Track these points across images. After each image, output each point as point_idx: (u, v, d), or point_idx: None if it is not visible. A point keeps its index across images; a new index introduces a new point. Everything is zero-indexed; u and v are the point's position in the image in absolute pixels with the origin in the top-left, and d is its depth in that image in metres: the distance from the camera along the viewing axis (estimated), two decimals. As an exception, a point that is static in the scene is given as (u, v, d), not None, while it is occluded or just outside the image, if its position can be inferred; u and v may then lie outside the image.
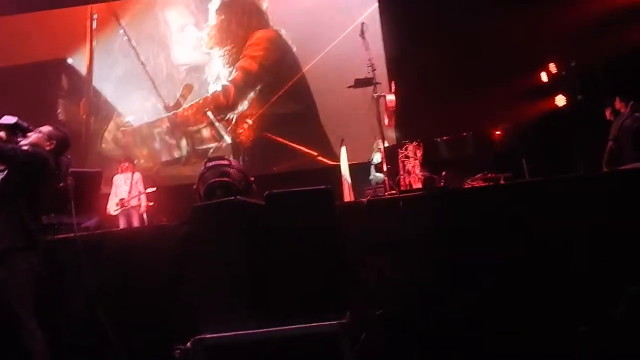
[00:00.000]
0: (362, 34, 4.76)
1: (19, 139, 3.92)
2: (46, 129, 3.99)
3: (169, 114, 6.06)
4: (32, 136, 3.94)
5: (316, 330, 3.28)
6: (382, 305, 3.89)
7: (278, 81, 6.35)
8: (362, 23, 4.79)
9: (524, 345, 3.74)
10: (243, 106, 6.36)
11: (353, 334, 3.38)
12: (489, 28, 6.84)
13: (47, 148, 3.91)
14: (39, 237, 3.90)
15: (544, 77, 7.01)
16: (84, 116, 6.26)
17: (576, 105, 6.80)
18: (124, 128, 5.95)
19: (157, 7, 6.38)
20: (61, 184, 4.03)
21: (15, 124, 3.94)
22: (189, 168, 6.07)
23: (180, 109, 6.16)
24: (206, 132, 5.94)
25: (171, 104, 6.24)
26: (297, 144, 5.90)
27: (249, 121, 6.02)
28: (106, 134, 5.83)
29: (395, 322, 3.90)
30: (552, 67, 6.94)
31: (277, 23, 6.65)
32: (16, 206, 3.75)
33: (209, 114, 5.89)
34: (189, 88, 6.18)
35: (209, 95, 6.27)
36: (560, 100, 6.81)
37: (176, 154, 6.01)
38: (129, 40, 6.40)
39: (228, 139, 5.90)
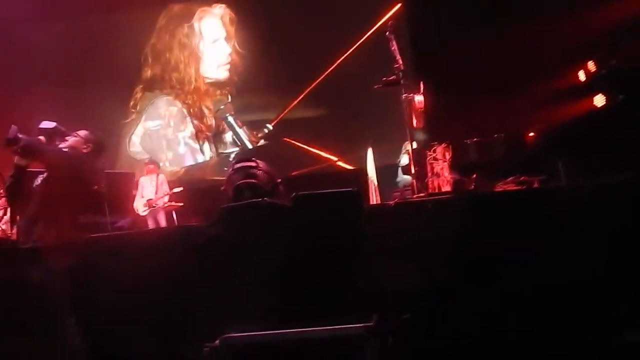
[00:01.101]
0: (390, 33, 4.72)
1: (57, 143, 4.08)
2: (83, 132, 4.17)
3: (194, 120, 6.20)
4: (70, 140, 4.10)
5: (342, 333, 3.29)
6: (409, 310, 3.86)
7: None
8: (390, 22, 4.75)
9: (553, 354, 3.65)
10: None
11: (379, 338, 3.37)
12: (522, 25, 6.68)
13: (84, 151, 4.08)
14: (76, 236, 4.04)
15: (581, 76, 6.79)
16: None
17: (617, 106, 6.57)
18: (151, 132, 6.08)
19: (195, 17, 6.44)
20: (96, 186, 4.17)
21: (55, 128, 4.10)
22: (212, 172, 6.20)
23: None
24: (228, 137, 6.03)
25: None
26: (317, 149, 5.86)
27: (269, 126, 6.04)
28: (134, 138, 6.00)
29: (422, 327, 3.86)
30: (591, 66, 6.71)
31: (299, 23, 6.49)
32: (56, 206, 3.89)
33: (231, 119, 5.94)
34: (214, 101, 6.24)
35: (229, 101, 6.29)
36: (600, 100, 6.58)
37: (200, 159, 6.12)
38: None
39: (249, 145, 5.96)
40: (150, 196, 5.08)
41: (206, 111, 6.20)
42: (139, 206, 4.92)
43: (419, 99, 4.48)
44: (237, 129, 5.88)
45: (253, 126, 6.11)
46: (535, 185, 5.02)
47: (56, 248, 3.86)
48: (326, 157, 5.74)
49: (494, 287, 3.86)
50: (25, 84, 7.14)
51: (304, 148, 5.75)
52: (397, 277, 3.94)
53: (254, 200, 3.91)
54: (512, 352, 3.77)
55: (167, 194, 4.98)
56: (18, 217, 4.35)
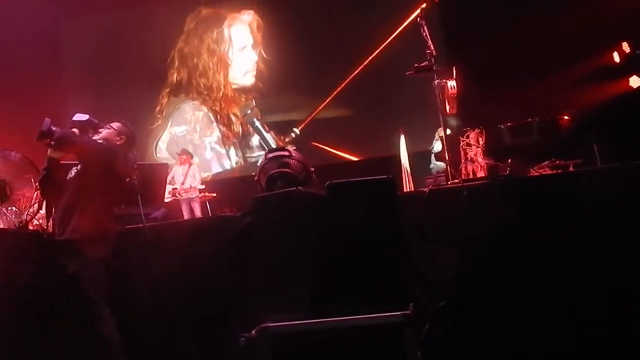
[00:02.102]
0: (421, 19, 4.64)
1: (90, 135, 4.11)
2: (116, 124, 4.20)
3: (220, 126, 6.17)
4: (103, 132, 4.13)
5: (379, 321, 3.28)
6: (445, 297, 3.82)
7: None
8: (421, 7, 4.67)
9: (592, 345, 3.58)
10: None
11: (416, 325, 3.34)
12: (555, 6, 6.52)
13: (118, 143, 4.11)
14: (111, 228, 4.08)
15: (616, 57, 6.61)
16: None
17: (653, 86, 6.39)
18: (177, 138, 6.08)
19: (225, 23, 6.36)
20: (128, 179, 4.20)
21: (88, 120, 4.13)
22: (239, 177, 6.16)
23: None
24: (255, 142, 5.99)
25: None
26: (348, 153, 5.76)
27: (296, 130, 5.92)
28: (160, 144, 6.01)
29: (458, 314, 3.82)
30: (626, 47, 6.53)
31: (325, 21, 6.39)
32: (90, 198, 3.93)
33: (258, 124, 5.86)
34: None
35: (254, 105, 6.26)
36: (636, 82, 6.40)
37: (226, 164, 6.08)
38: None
39: None
40: (177, 185, 5.07)
41: (233, 118, 6.17)
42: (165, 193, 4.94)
43: (451, 84, 4.40)
44: (265, 133, 5.83)
45: (280, 129, 6.03)
46: (571, 169, 4.91)
47: (91, 240, 3.90)
48: (356, 160, 5.69)
49: (531, 273, 3.80)
50: (54, 80, 7.23)
51: (334, 153, 5.67)
52: (433, 265, 3.91)
53: (288, 189, 3.89)
54: (550, 341, 3.70)
55: (198, 190, 4.93)
56: (54, 210, 4.40)
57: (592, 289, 3.71)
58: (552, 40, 6.48)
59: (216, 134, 6.02)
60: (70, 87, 7.46)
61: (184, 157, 5.13)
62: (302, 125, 5.95)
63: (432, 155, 5.13)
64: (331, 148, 5.79)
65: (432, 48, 4.47)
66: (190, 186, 5.10)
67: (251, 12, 6.06)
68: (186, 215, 5.12)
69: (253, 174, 4.30)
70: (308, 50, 5.97)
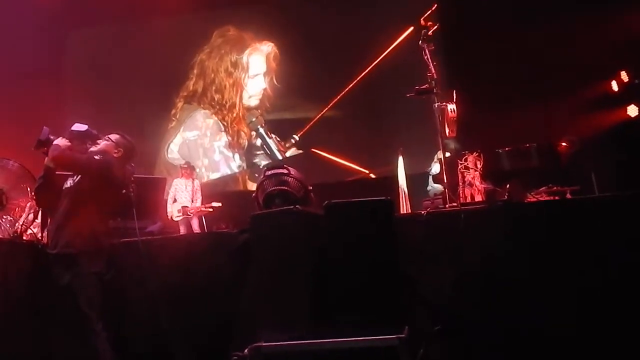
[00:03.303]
0: (423, 42, 4.68)
1: (88, 146, 4.09)
2: (114, 137, 4.17)
3: (228, 136, 6.58)
4: (101, 144, 4.11)
5: (374, 343, 3.25)
6: (441, 321, 3.80)
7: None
8: (423, 30, 4.71)
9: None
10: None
11: (411, 349, 3.32)
12: (554, 35, 6.61)
13: (115, 155, 4.08)
14: (106, 241, 4.05)
15: (614, 86, 6.69)
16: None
17: (650, 116, 6.46)
18: (189, 141, 6.49)
19: (247, 51, 6.76)
20: (124, 191, 4.18)
21: (87, 131, 4.12)
22: (244, 181, 6.54)
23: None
24: (258, 149, 6.40)
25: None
26: (347, 161, 6.00)
27: (296, 137, 6.31)
28: (172, 146, 6.39)
29: (453, 338, 3.80)
30: (624, 76, 6.61)
31: (330, 30, 6.76)
32: (86, 212, 3.90)
33: (262, 130, 6.28)
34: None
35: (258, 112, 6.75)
36: (633, 111, 6.47)
37: (233, 166, 6.49)
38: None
39: (278, 155, 6.26)
40: (185, 201, 5.04)
41: (242, 134, 6.59)
42: (174, 211, 4.93)
43: (451, 107, 4.43)
44: (268, 139, 6.23)
45: (282, 136, 6.45)
46: (568, 195, 4.93)
47: (85, 254, 3.87)
48: (357, 169, 5.88)
49: (527, 298, 3.80)
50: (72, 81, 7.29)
51: (333, 160, 5.94)
52: (429, 287, 3.90)
53: (285, 207, 3.89)
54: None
55: (206, 207, 4.92)
56: (49, 221, 4.38)
57: (588, 312, 3.71)
58: (552, 67, 6.57)
59: (224, 139, 6.47)
60: (70, 97, 7.54)
61: (188, 170, 5.12)
62: (301, 132, 6.36)
63: (430, 177, 5.14)
64: (329, 154, 6.07)
65: (433, 71, 4.51)
66: (204, 206, 5.04)
67: (271, 44, 6.52)
68: (184, 231, 5.09)
69: (253, 194, 4.29)
70: (316, 71, 6.42)
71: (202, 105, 6.58)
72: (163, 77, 6.69)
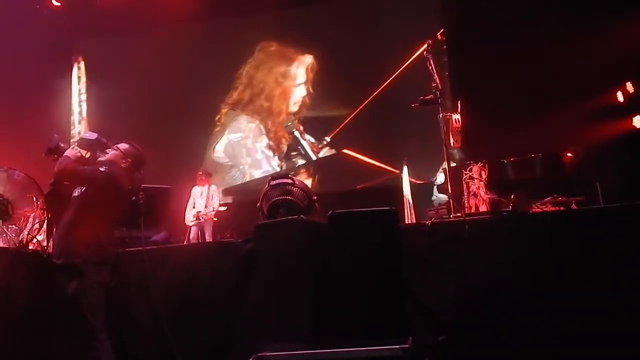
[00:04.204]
0: (428, 52, 4.70)
1: (98, 155, 4.10)
2: (123, 146, 4.15)
3: (270, 141, 7.32)
4: (110, 153, 4.10)
5: (377, 354, 3.24)
6: (445, 331, 3.78)
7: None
8: (428, 42, 4.74)
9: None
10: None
11: (415, 359, 3.30)
12: (559, 46, 6.62)
13: (123, 165, 4.08)
14: (111, 251, 4.05)
15: (619, 96, 6.69)
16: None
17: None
18: (233, 143, 7.27)
19: (295, 64, 7.49)
20: (134, 198, 4.18)
21: (96, 139, 4.13)
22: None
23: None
24: (294, 150, 7.14)
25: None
26: (375, 161, 6.48)
27: (327, 138, 7.04)
28: (217, 147, 7.21)
29: (457, 349, 3.78)
30: (629, 86, 6.61)
31: (342, 46, 7.42)
32: (91, 221, 3.91)
33: (297, 134, 7.00)
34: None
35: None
36: (639, 121, 6.46)
37: (273, 163, 7.24)
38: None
39: (312, 156, 6.97)
40: (200, 207, 5.09)
41: (283, 140, 7.31)
42: (189, 216, 4.99)
43: (456, 117, 4.43)
44: (302, 141, 6.99)
45: (315, 138, 7.27)
46: (573, 206, 4.91)
47: (90, 264, 3.87)
48: (387, 169, 6.27)
49: (529, 309, 3.77)
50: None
51: (363, 160, 6.48)
52: (434, 298, 3.88)
53: (290, 217, 3.89)
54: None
55: (214, 210, 4.98)
56: (54, 230, 4.39)
57: (592, 323, 3.67)
58: (557, 77, 6.58)
59: (265, 141, 7.27)
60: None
61: (203, 177, 5.14)
62: (332, 134, 7.12)
63: (435, 187, 5.14)
64: (357, 154, 6.64)
65: (438, 82, 4.52)
66: (213, 208, 5.09)
67: (311, 56, 7.29)
68: (194, 239, 5.12)
69: (258, 203, 4.33)
70: (342, 79, 7.20)
71: (245, 112, 7.30)
72: (207, 86, 7.38)
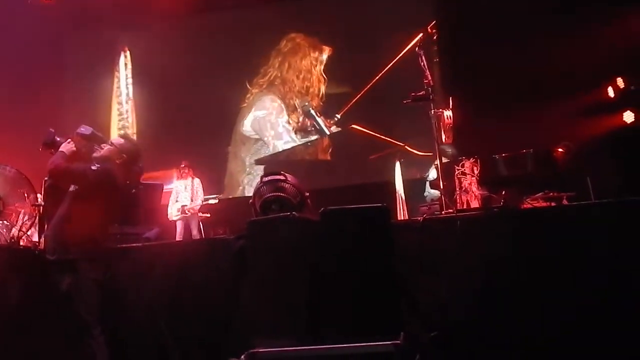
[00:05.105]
0: (419, 49, 4.71)
1: (96, 148, 4.08)
2: (118, 141, 4.13)
3: (290, 115, 8.36)
4: (104, 149, 4.07)
5: (369, 350, 3.26)
6: (437, 327, 3.81)
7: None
8: (420, 37, 4.74)
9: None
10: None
11: (407, 355, 3.33)
12: (550, 42, 6.65)
13: (118, 161, 4.05)
14: (104, 247, 4.05)
15: (610, 92, 6.72)
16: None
17: (646, 122, 6.47)
18: (259, 118, 8.38)
19: (324, 52, 8.51)
20: (134, 190, 4.14)
21: (91, 134, 4.10)
22: (300, 152, 8.28)
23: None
24: (309, 126, 8.24)
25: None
26: (384, 136, 7.27)
27: (338, 116, 8.03)
28: (245, 122, 8.31)
29: (449, 345, 3.81)
30: (620, 82, 6.64)
31: (334, 38, 8.40)
32: (85, 217, 3.90)
33: (312, 112, 8.06)
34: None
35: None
36: (629, 117, 6.50)
37: (292, 136, 8.39)
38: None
39: (326, 130, 8.01)
40: (185, 201, 5.06)
41: (300, 117, 8.55)
42: (173, 211, 4.98)
43: (448, 114, 4.45)
44: (317, 118, 7.98)
45: (327, 116, 8.36)
46: (564, 201, 4.94)
47: (84, 260, 3.87)
48: (394, 142, 6.84)
49: (521, 304, 3.80)
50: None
51: (370, 134, 7.30)
52: (425, 294, 3.91)
53: (282, 214, 3.90)
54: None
55: (202, 202, 4.97)
56: (46, 226, 4.38)
57: (585, 318, 3.70)
58: (549, 73, 6.60)
59: (285, 117, 8.34)
60: (70, 98, 7.94)
61: (186, 169, 5.09)
62: (342, 112, 8.12)
63: (427, 183, 5.15)
64: (366, 129, 7.49)
65: (430, 78, 4.53)
66: (202, 200, 5.06)
67: (330, 49, 8.51)
68: (180, 234, 5.10)
69: (250, 200, 4.36)
70: (350, 65, 8.25)
71: (269, 93, 8.42)
72: (239, 70, 8.53)
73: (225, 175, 8.24)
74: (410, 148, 6.73)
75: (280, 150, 8.02)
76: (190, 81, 8.06)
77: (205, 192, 6.63)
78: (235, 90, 8.43)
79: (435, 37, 4.61)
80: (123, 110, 8.32)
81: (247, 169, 8.13)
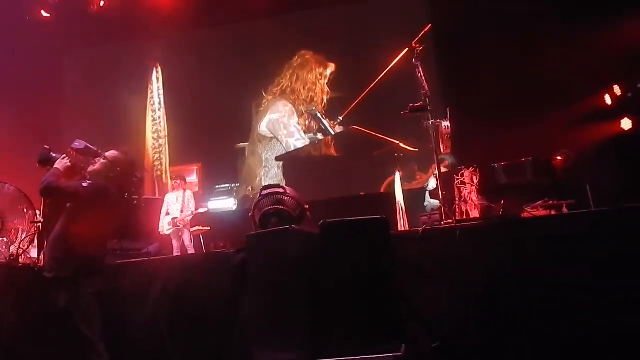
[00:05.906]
0: (417, 60, 4.73)
1: (90, 160, 4.06)
2: (112, 155, 4.07)
3: (299, 118, 9.45)
4: (97, 164, 4.06)
5: (371, 362, 3.24)
6: (438, 338, 3.79)
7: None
8: (417, 49, 4.76)
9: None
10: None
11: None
12: (547, 50, 6.67)
13: (111, 175, 4.01)
14: (103, 263, 4.04)
15: (607, 99, 6.73)
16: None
17: (643, 129, 6.48)
18: (273, 120, 9.35)
19: (329, 68, 9.42)
20: (135, 198, 4.13)
21: (85, 148, 4.10)
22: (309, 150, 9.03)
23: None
24: (315, 126, 9.28)
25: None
26: (382, 134, 7.81)
27: (340, 118, 8.98)
28: (262, 123, 9.34)
29: (450, 356, 3.79)
30: (617, 89, 6.66)
31: (339, 52, 9.20)
32: (80, 234, 3.88)
33: (318, 114, 8.98)
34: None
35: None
36: (627, 124, 6.51)
37: (302, 134, 9.36)
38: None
39: (332, 132, 8.85)
40: (176, 213, 5.06)
41: (305, 115, 9.55)
42: (164, 224, 4.97)
43: (445, 124, 4.46)
44: (323, 120, 8.86)
45: (330, 118, 9.27)
46: (564, 209, 4.94)
47: (82, 274, 3.85)
48: (389, 140, 7.21)
49: (521, 313, 3.79)
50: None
51: (370, 133, 7.78)
52: (426, 305, 3.88)
53: (282, 227, 3.89)
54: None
55: (192, 214, 4.97)
56: (45, 243, 4.36)
57: (585, 326, 3.68)
58: (546, 82, 6.61)
59: (296, 118, 9.41)
60: (68, 115, 8.16)
61: (178, 182, 5.12)
62: (343, 115, 8.99)
63: (427, 193, 5.15)
64: (368, 130, 7.91)
65: (427, 89, 4.54)
66: (192, 212, 5.08)
67: (334, 65, 9.40)
68: (176, 247, 5.08)
69: (249, 213, 4.36)
70: (348, 75, 9.14)
71: (282, 97, 9.46)
72: (256, 80, 9.49)
73: (244, 168, 9.39)
74: (407, 146, 7.02)
75: (293, 148, 9.11)
76: (214, 89, 8.98)
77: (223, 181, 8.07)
78: (254, 96, 9.61)
79: (420, 51, 4.72)
80: (156, 117, 9.42)
81: (264, 163, 9.20)
